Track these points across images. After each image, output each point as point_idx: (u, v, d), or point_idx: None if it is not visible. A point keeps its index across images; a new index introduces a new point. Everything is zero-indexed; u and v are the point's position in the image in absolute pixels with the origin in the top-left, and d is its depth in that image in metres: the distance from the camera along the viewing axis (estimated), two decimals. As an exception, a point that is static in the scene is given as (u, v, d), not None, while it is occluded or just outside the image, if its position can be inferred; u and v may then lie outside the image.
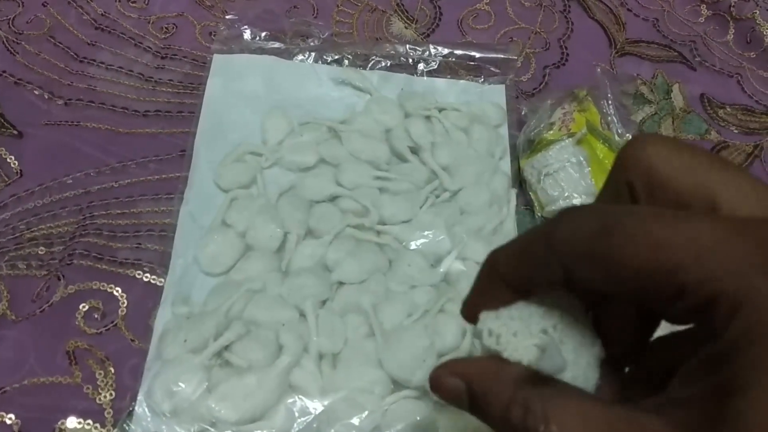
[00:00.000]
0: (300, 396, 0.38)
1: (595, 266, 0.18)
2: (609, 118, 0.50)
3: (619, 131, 0.50)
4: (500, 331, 0.22)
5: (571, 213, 0.20)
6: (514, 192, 0.48)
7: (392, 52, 0.54)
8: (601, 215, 0.19)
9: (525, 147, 0.49)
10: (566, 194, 0.46)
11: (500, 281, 0.22)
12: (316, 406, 0.38)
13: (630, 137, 0.51)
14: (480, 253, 0.44)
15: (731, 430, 0.16)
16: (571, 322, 0.22)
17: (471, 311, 0.23)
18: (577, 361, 0.22)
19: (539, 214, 0.47)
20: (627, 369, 0.24)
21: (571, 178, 0.46)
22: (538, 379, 0.20)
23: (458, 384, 0.22)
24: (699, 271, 0.17)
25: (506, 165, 0.49)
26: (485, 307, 0.22)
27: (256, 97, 0.51)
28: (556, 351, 0.21)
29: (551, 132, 0.48)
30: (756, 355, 0.16)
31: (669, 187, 0.20)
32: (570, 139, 0.47)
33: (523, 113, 0.52)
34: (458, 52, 0.55)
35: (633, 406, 0.19)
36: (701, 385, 0.17)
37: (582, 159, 0.46)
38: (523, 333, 0.22)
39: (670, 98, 0.57)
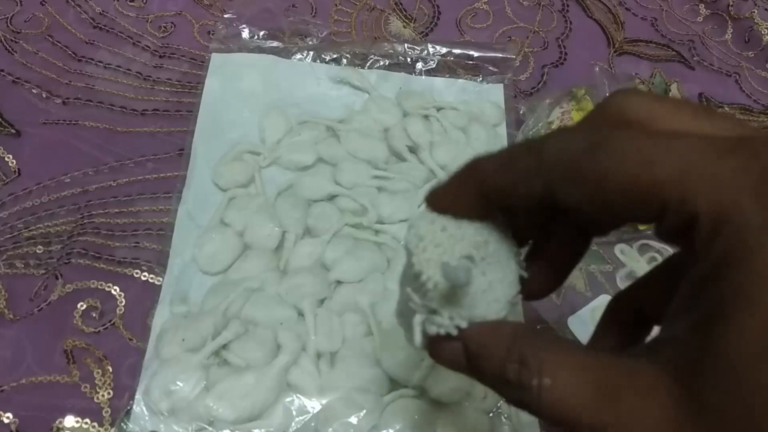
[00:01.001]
0: (298, 395, 0.38)
1: (581, 182, 0.18)
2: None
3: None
4: (425, 235, 0.22)
5: (560, 131, 0.20)
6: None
7: (390, 51, 0.54)
8: (589, 133, 0.19)
9: (523, 146, 0.49)
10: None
11: (474, 186, 0.22)
12: (314, 405, 0.38)
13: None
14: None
15: (717, 361, 0.15)
16: (498, 257, 0.23)
17: (432, 200, 0.23)
18: (486, 294, 0.22)
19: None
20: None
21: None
22: (532, 334, 0.20)
23: (456, 346, 0.21)
24: (682, 188, 0.16)
25: (504, 164, 0.49)
26: (447, 204, 0.22)
27: (254, 96, 0.51)
28: (462, 271, 0.21)
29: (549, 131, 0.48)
30: (739, 277, 0.15)
31: (645, 129, 0.19)
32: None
33: (521, 112, 0.52)
34: (457, 51, 0.55)
35: (626, 353, 0.18)
36: (687, 317, 0.17)
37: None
38: (445, 249, 0.22)
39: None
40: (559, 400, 0.18)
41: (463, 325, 0.21)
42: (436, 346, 0.22)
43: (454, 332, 0.21)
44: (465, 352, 0.21)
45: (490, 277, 0.22)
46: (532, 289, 0.24)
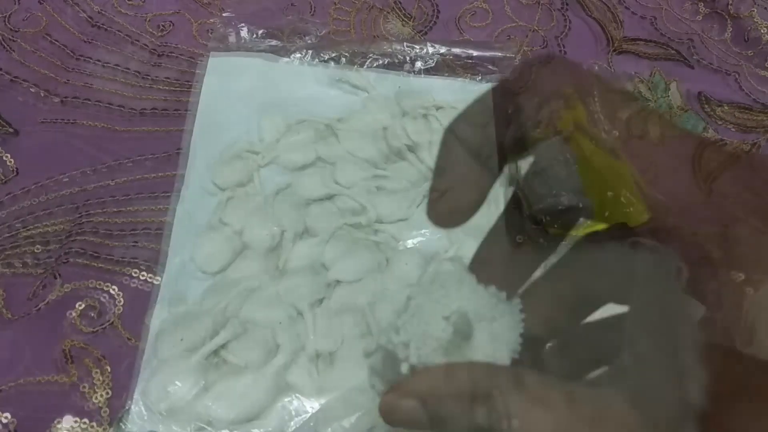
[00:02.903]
0: (296, 395, 0.38)
1: None
2: (596, 116, 0.50)
3: (606, 128, 0.50)
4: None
5: None
6: (502, 190, 0.48)
7: (389, 50, 0.54)
8: None
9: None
10: (554, 192, 0.45)
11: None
12: (312, 406, 0.38)
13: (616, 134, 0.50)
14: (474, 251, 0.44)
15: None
16: (491, 310, 0.23)
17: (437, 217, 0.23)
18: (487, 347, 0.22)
19: (527, 213, 0.47)
20: None
21: (558, 177, 0.46)
22: (490, 371, 0.19)
23: (412, 405, 0.20)
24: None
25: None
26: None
27: (252, 95, 0.50)
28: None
29: (538, 130, 0.48)
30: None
31: None
32: (557, 137, 0.47)
33: (520, 111, 0.52)
34: (455, 50, 0.55)
35: (591, 382, 0.18)
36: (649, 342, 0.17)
37: (569, 157, 0.46)
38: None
39: (668, 96, 0.57)
40: None
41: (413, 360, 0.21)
42: (390, 409, 0.20)
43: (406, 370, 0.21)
44: (424, 409, 0.19)
45: (482, 332, 0.22)
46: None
